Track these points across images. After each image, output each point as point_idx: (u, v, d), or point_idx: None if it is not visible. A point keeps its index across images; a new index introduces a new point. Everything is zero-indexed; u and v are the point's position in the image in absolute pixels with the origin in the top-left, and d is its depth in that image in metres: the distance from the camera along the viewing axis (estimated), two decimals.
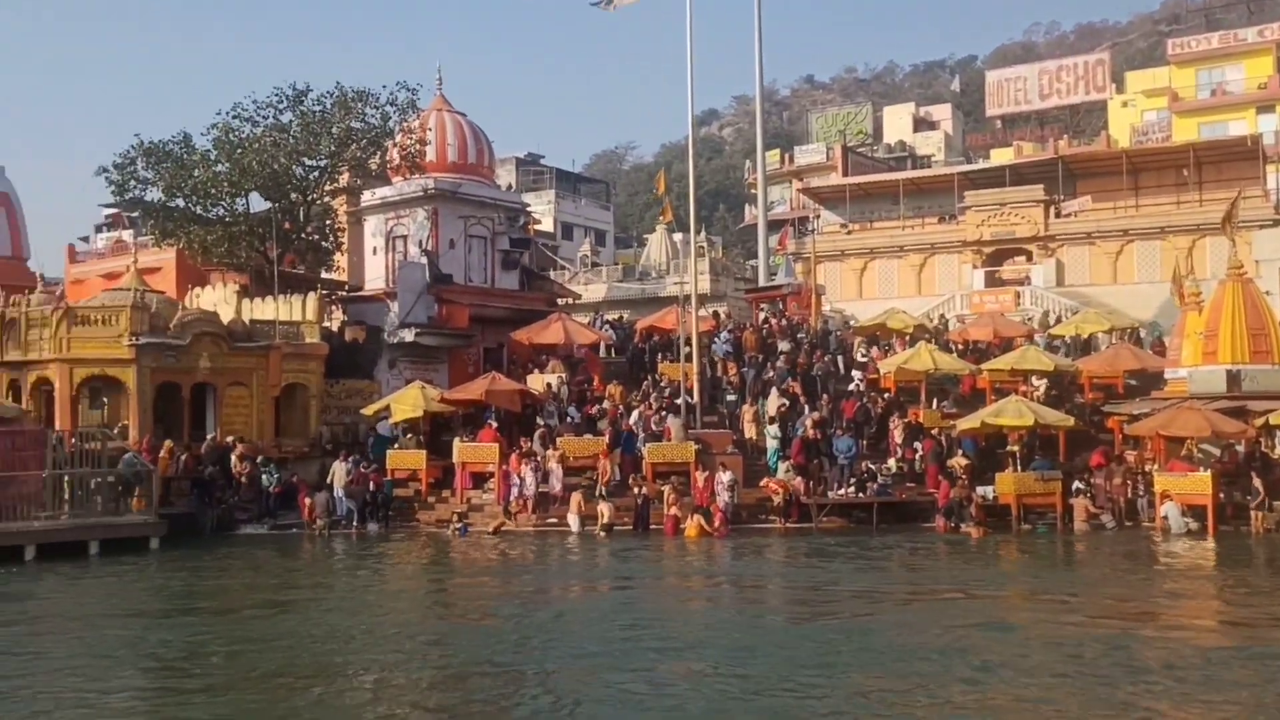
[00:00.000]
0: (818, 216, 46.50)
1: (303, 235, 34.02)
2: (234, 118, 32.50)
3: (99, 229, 53.29)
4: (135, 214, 37.68)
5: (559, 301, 37.82)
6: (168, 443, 24.84)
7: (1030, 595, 16.93)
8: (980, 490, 23.81)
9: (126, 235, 42.66)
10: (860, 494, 24.42)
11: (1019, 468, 24.28)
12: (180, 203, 32.67)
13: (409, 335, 31.88)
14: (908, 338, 31.99)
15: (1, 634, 14.21)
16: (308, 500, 24.54)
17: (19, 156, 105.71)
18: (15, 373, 26.67)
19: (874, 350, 31.75)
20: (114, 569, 19.63)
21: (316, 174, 33.63)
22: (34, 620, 15.45)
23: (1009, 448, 25.20)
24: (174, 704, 10.97)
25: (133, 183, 32.53)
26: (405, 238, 35.07)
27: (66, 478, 22.07)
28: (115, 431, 24.85)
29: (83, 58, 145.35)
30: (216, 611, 16.03)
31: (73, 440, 22.97)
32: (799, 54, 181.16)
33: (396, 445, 26.46)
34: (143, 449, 24.00)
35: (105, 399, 26.50)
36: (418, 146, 34.30)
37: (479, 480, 25.93)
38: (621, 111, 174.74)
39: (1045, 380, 28.49)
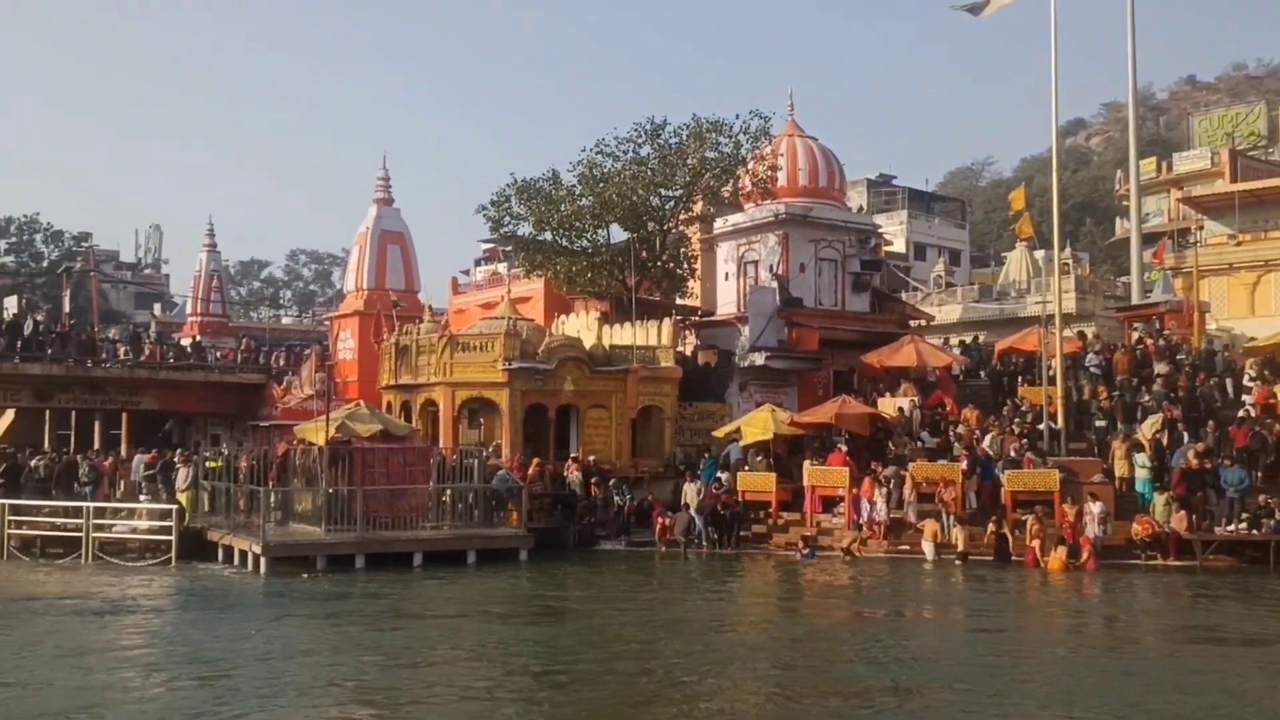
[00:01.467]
0: (1200, 228, 42.51)
1: (659, 263, 35.23)
2: (597, 153, 34.26)
3: (478, 263, 57.59)
4: (509, 248, 40.46)
5: (911, 323, 36.86)
6: (536, 460, 26.42)
7: None
8: None
9: (501, 268, 45.94)
10: (1254, 531, 21.97)
11: None
12: (548, 236, 34.76)
13: (759, 359, 32.19)
14: None
15: (407, 626, 15.68)
16: (663, 519, 25.27)
17: (411, 198, 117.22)
18: (407, 395, 29.44)
19: (1265, 372, 28.49)
20: (489, 576, 21.07)
21: (672, 204, 34.78)
22: (421, 618, 16.94)
23: None
24: (544, 696, 11.59)
25: (507, 218, 34.98)
26: (756, 263, 35.47)
27: (449, 491, 24.02)
28: (490, 450, 26.75)
29: (464, 109, 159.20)
30: (583, 616, 16.90)
31: (454, 457, 24.94)
32: (1178, 53, 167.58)
33: (746, 468, 26.73)
34: (514, 466, 25.67)
35: (482, 419, 28.59)
36: (769, 173, 34.68)
37: (829, 504, 25.67)
38: (978, 127, 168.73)
39: None
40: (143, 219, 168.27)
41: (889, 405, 28.64)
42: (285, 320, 79.17)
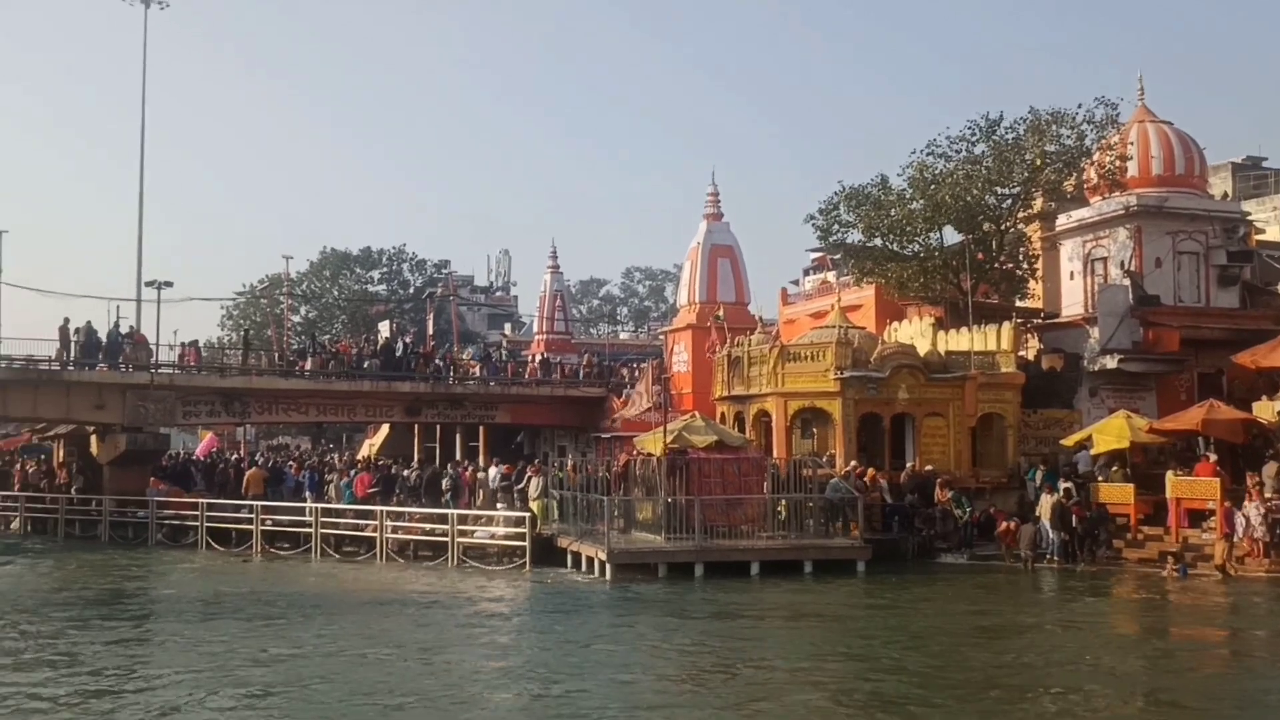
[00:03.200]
0: None
1: (996, 265, 33.75)
2: (928, 154, 33.29)
3: (806, 272, 57.46)
4: (838, 256, 40.09)
5: None
6: (871, 470, 25.95)
7: None
8: None
9: (830, 276, 45.59)
10: None
11: None
12: (878, 242, 34.11)
13: (1111, 362, 30.08)
14: None
15: (762, 633, 15.89)
16: (1009, 531, 24.07)
17: (741, 212, 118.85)
18: (740, 405, 29.79)
19: None
20: (827, 587, 20.88)
21: (1009, 202, 33.23)
22: (774, 628, 17.07)
23: None
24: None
25: (835, 226, 34.65)
26: (1105, 260, 33.17)
27: (783, 501, 24.04)
28: (824, 459, 26.52)
29: (788, 121, 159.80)
30: (926, 633, 16.38)
31: (787, 467, 24.93)
32: None
33: (1099, 479, 25.01)
34: (848, 477, 25.32)
35: (815, 429, 28.42)
36: (1118, 163, 32.39)
37: (1195, 518, 23.52)
38: None
39: None
40: (494, 245, 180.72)
41: (1266, 409, 25.89)
42: (623, 335, 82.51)
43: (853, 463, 26.09)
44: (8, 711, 11.88)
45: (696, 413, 28.48)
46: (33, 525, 32.93)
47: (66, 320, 32.62)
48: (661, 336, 50.95)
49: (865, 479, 25.36)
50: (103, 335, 33.63)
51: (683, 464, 23.51)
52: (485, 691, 12.81)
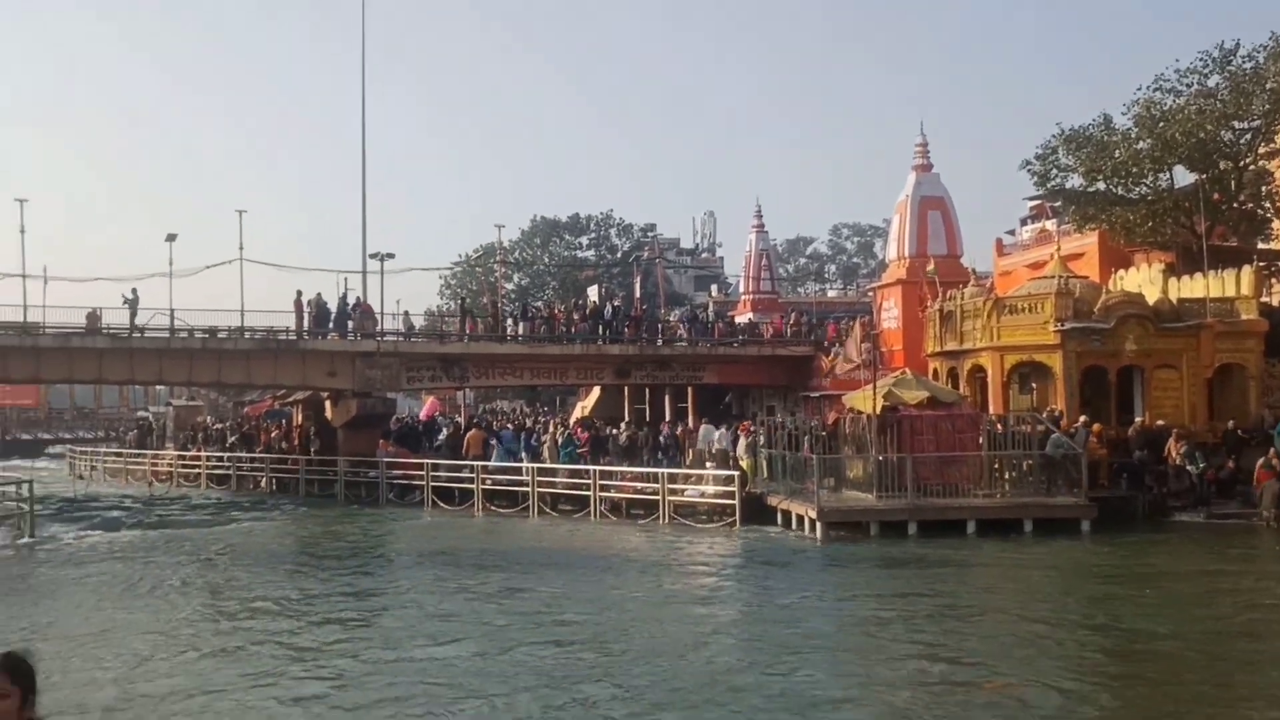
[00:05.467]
0: None
1: (1234, 205, 31.51)
2: (1155, 90, 31.33)
3: (1023, 221, 55.21)
4: (1057, 203, 38.37)
5: None
6: (1096, 426, 24.73)
7: None
8: None
9: (1049, 225, 43.64)
10: None
11: None
12: (1101, 185, 32.45)
13: None
14: None
15: (967, 588, 15.53)
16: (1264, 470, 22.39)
17: (950, 161, 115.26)
18: (953, 361, 28.93)
19: None
20: (1050, 546, 20.09)
21: (1248, 137, 30.94)
22: (987, 586, 16.60)
23: None
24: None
25: (1054, 171, 33.13)
26: None
27: (999, 459, 23.22)
28: (1044, 415, 25.47)
29: (1002, 63, 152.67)
30: (1161, 597, 15.58)
31: (1001, 424, 24.07)
32: None
33: None
34: (1075, 433, 24.21)
35: (1033, 384, 27.33)
36: None
37: None
38: None
39: None
40: (698, 207, 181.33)
41: None
42: (830, 293, 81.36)
43: (1082, 418, 24.87)
44: (280, 648, 12.88)
45: (907, 369, 27.84)
46: (277, 484, 35.41)
47: (300, 293, 34.73)
48: (870, 293, 50.01)
49: (1090, 435, 24.21)
50: (332, 306, 35.61)
51: (894, 421, 23.08)
52: (709, 640, 13.01)
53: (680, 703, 10.42)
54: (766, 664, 11.85)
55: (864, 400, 24.54)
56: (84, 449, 50.58)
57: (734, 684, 11.01)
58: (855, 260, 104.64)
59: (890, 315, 41.15)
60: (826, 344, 39.27)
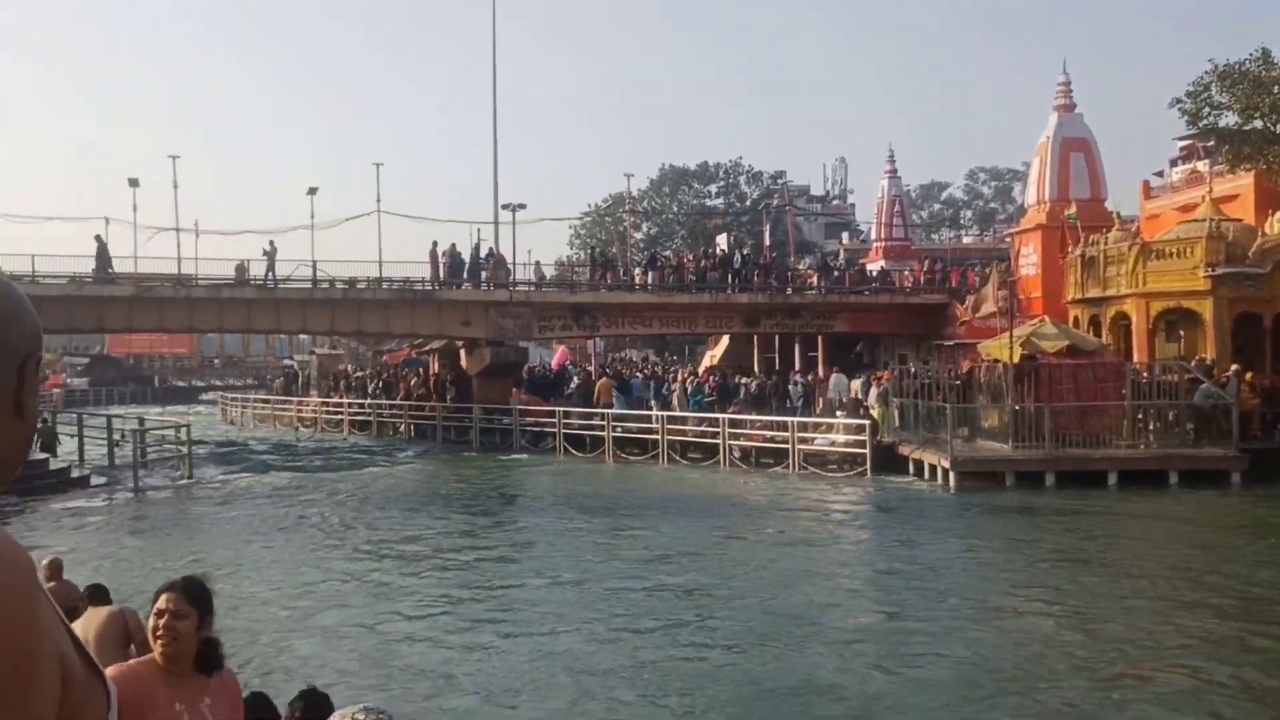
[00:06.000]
0: None
1: None
2: None
3: (1173, 163, 52.67)
4: (1209, 143, 36.48)
5: None
6: (1249, 375, 23.67)
7: None
8: None
9: (1201, 165, 41.59)
10: None
11: None
12: (1259, 124, 30.68)
13: None
14: None
15: (1112, 540, 15.12)
16: None
17: (1094, 100, 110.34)
18: (1095, 308, 27.98)
19: None
20: (1196, 499, 19.45)
21: None
22: (1134, 538, 16.17)
23: None
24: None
25: (1207, 110, 31.45)
26: None
27: (1144, 409, 22.46)
28: (1193, 364, 24.51)
29: None
30: None
31: (1146, 373, 23.24)
32: None
33: None
34: (1223, 382, 23.24)
35: (1181, 331, 26.29)
36: None
37: None
38: None
39: None
40: (829, 153, 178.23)
41: None
42: (966, 240, 79.29)
43: (1234, 367, 23.82)
44: (435, 569, 13.43)
45: (1046, 317, 27.04)
46: (416, 431, 36.49)
47: (435, 244, 35.47)
48: (1008, 239, 48.57)
49: (1242, 385, 23.18)
50: (466, 256, 36.30)
51: (1032, 370, 22.52)
52: (848, 587, 13.05)
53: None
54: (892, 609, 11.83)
55: (1000, 349, 24.00)
56: (234, 396, 52.97)
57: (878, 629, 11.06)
58: (992, 205, 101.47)
59: (1029, 262, 39.95)
60: (966, 290, 38.40)
